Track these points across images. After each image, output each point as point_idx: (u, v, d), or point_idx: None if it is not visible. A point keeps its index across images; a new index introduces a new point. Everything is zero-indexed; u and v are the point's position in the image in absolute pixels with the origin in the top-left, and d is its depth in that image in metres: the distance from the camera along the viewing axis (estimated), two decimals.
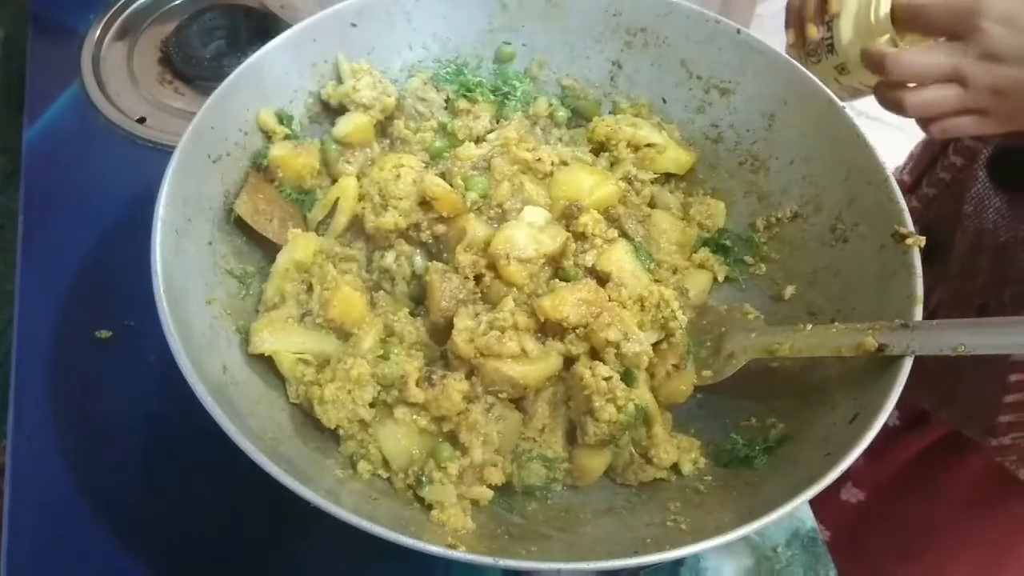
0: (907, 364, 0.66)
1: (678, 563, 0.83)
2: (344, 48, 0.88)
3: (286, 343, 0.74)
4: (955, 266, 0.93)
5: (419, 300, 0.80)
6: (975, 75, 0.71)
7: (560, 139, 0.94)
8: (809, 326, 0.75)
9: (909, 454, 1.11)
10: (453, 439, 0.72)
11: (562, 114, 0.94)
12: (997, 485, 0.97)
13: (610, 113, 0.96)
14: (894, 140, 1.09)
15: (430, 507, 0.69)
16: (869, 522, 1.17)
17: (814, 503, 0.84)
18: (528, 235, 0.76)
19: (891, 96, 0.77)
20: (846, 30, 0.83)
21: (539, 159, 0.83)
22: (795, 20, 0.89)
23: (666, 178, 0.93)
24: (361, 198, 0.82)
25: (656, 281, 0.81)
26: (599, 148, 0.91)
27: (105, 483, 0.84)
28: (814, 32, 0.86)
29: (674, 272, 0.85)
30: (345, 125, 0.87)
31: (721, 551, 0.84)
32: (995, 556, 1.06)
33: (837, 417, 0.69)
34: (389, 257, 0.81)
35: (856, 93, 0.90)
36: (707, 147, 0.92)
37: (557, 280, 0.77)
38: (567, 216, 0.80)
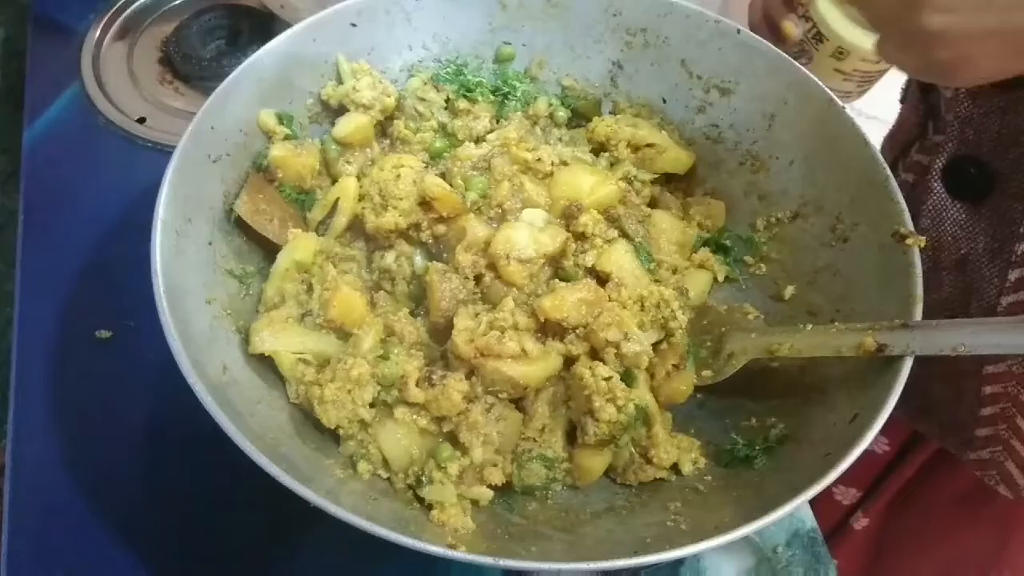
0: (907, 364, 0.66)
1: (678, 563, 0.83)
2: (344, 48, 0.88)
3: (286, 343, 0.74)
4: None
5: (419, 300, 0.80)
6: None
7: (560, 139, 0.94)
8: (809, 326, 0.75)
9: (905, 477, 1.11)
10: (453, 439, 0.72)
11: (562, 114, 0.94)
12: (986, 491, 0.96)
13: (610, 113, 0.96)
14: None
15: (430, 507, 0.69)
16: (874, 546, 1.17)
17: (829, 536, 0.82)
18: (528, 235, 0.76)
19: None
20: (827, 7, 0.79)
21: (539, 159, 0.83)
22: (767, 25, 0.82)
23: (666, 178, 0.93)
24: (361, 198, 0.82)
25: (656, 281, 0.81)
26: (599, 148, 0.91)
27: (105, 483, 0.84)
28: (792, 30, 0.81)
29: (674, 272, 0.85)
30: (345, 125, 0.87)
31: (721, 551, 0.84)
32: (992, 557, 1.05)
33: (837, 417, 0.69)
34: (389, 257, 0.81)
35: (865, 80, 0.83)
36: (707, 147, 0.92)
37: (557, 280, 0.77)
38: (567, 216, 0.80)
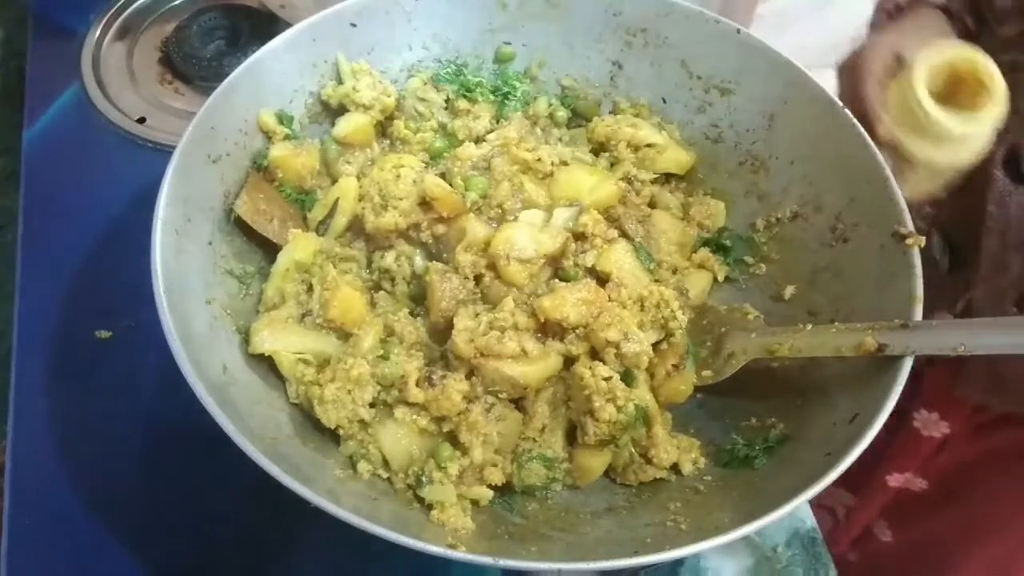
0: (907, 364, 0.66)
1: (678, 563, 0.83)
2: (344, 48, 0.88)
3: (286, 343, 0.74)
4: (986, 266, 0.94)
5: (419, 300, 0.80)
6: None
7: (560, 139, 0.94)
8: (809, 326, 0.75)
9: (978, 450, 1.11)
10: (453, 439, 0.72)
11: (562, 114, 0.94)
12: None
13: (610, 113, 0.96)
14: None
15: (430, 507, 0.69)
16: (929, 511, 1.17)
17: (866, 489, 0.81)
18: (528, 235, 0.76)
19: None
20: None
21: (539, 159, 0.83)
22: (858, 116, 0.83)
23: (666, 178, 0.93)
24: (361, 198, 0.82)
25: (656, 281, 0.81)
26: (599, 148, 0.91)
27: (105, 483, 0.84)
28: (886, 134, 0.82)
29: (674, 272, 0.85)
30: (345, 125, 0.87)
31: (721, 551, 0.84)
32: None
33: (837, 417, 0.69)
34: (389, 257, 0.81)
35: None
36: (707, 147, 0.92)
37: (557, 280, 0.77)
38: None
